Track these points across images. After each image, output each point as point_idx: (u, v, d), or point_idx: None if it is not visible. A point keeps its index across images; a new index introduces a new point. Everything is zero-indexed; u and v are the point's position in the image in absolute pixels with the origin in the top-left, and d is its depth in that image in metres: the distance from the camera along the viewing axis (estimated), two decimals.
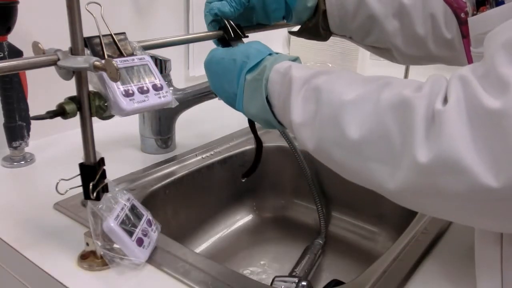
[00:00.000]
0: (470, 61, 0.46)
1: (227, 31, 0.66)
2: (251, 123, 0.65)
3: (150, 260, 0.56)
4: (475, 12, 0.44)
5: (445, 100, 0.36)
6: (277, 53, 0.55)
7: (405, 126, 0.37)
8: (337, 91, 0.44)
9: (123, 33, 0.54)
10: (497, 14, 0.40)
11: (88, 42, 0.50)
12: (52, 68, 0.48)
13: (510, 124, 0.31)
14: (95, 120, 0.51)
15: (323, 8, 0.69)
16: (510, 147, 0.31)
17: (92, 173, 0.52)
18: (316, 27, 0.70)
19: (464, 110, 0.34)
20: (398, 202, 0.42)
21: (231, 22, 0.66)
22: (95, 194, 0.52)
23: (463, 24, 0.47)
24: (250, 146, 0.94)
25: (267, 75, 0.51)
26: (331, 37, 0.74)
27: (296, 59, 0.54)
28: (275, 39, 1.52)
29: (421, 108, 0.36)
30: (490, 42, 0.36)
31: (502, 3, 0.41)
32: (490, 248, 0.44)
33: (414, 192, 0.38)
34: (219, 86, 0.58)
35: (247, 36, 0.70)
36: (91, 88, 0.50)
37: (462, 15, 0.47)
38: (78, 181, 0.52)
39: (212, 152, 0.90)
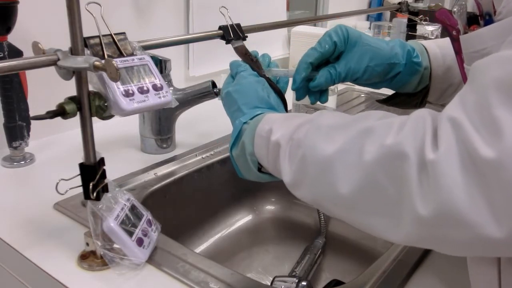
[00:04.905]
0: (464, 77, 0.46)
1: (226, 31, 0.66)
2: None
3: (150, 260, 0.56)
4: (466, 30, 0.44)
5: (435, 145, 0.34)
6: (257, 110, 0.55)
7: (397, 176, 0.36)
8: (319, 146, 0.43)
9: (123, 33, 0.54)
10: (487, 32, 0.40)
11: (88, 42, 0.50)
12: (52, 68, 0.48)
13: (508, 175, 0.30)
14: (95, 120, 0.51)
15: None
16: (510, 197, 0.31)
17: (92, 173, 0.52)
18: (415, 100, 0.69)
19: (458, 159, 0.33)
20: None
21: (232, 23, 0.66)
22: (95, 194, 0.52)
23: (455, 41, 0.47)
24: None
25: (249, 150, 0.52)
26: None
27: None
28: (275, 39, 1.52)
29: (410, 156, 0.35)
30: (480, 73, 0.35)
31: (491, 21, 0.42)
32: (487, 273, 0.43)
33: (418, 242, 0.38)
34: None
35: (247, 37, 0.70)
36: (91, 88, 0.50)
37: (454, 32, 0.47)
38: (78, 181, 0.52)
39: (212, 152, 0.90)
